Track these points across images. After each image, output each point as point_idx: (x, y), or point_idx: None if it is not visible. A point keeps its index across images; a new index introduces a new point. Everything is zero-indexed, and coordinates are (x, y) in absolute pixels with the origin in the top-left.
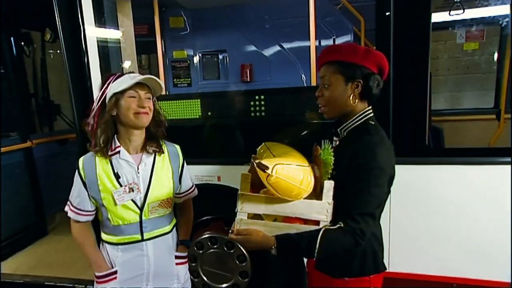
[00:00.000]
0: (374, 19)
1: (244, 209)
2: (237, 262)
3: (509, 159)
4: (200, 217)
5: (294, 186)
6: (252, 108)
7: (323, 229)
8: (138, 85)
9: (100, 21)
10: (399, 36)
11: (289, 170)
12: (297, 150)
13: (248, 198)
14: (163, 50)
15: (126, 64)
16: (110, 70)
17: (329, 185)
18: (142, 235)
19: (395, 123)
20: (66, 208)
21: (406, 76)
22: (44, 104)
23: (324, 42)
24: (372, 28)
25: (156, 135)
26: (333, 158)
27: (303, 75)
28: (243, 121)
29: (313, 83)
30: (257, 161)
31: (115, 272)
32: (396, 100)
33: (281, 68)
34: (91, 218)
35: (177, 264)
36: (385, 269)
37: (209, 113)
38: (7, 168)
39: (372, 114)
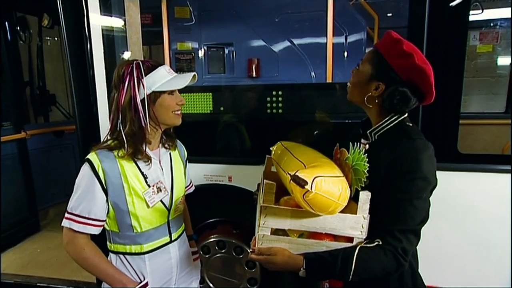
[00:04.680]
0: (388, 17)
1: (267, 223)
2: (246, 268)
3: None
4: (208, 219)
5: (332, 202)
6: (268, 105)
7: (358, 247)
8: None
9: (105, 5)
10: (432, 35)
11: (328, 184)
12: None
13: (273, 212)
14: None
15: (126, 55)
16: (115, 58)
17: (365, 197)
18: (170, 237)
19: (424, 126)
20: (67, 223)
21: (438, 77)
22: (40, 93)
23: (335, 40)
24: (386, 26)
25: (171, 130)
26: (367, 165)
27: (312, 73)
28: (258, 118)
29: (329, 80)
30: (292, 173)
31: (146, 284)
32: None
33: (290, 64)
34: (101, 228)
35: (194, 260)
36: (425, 287)
37: (222, 108)
38: None
39: (406, 115)
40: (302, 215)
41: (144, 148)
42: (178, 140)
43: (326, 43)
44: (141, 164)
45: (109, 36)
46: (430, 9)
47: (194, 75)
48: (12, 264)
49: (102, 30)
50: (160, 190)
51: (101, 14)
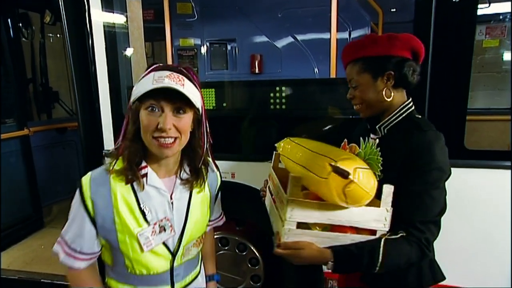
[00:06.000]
0: (392, 12)
1: (294, 217)
2: (249, 265)
3: None
4: None
5: (366, 194)
6: (271, 101)
7: (383, 240)
8: (164, 92)
9: (106, 1)
10: (439, 29)
11: (364, 176)
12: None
13: (299, 205)
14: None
15: (129, 52)
16: (116, 55)
17: (388, 190)
18: (172, 286)
19: (431, 122)
20: (57, 248)
21: (445, 72)
22: (42, 90)
23: (339, 35)
24: (391, 21)
25: (192, 162)
26: (381, 159)
27: (316, 68)
28: (262, 114)
29: (332, 76)
30: (333, 163)
31: None
32: (432, 97)
33: (293, 60)
34: (93, 261)
35: None
36: (444, 278)
37: (224, 105)
38: (2, 156)
39: (414, 107)
40: (328, 208)
41: (136, 169)
42: (213, 166)
43: (329, 39)
44: (141, 195)
45: (111, 33)
46: (437, 3)
47: (176, 88)
48: (16, 260)
49: (104, 26)
50: (164, 230)
51: (102, 10)
